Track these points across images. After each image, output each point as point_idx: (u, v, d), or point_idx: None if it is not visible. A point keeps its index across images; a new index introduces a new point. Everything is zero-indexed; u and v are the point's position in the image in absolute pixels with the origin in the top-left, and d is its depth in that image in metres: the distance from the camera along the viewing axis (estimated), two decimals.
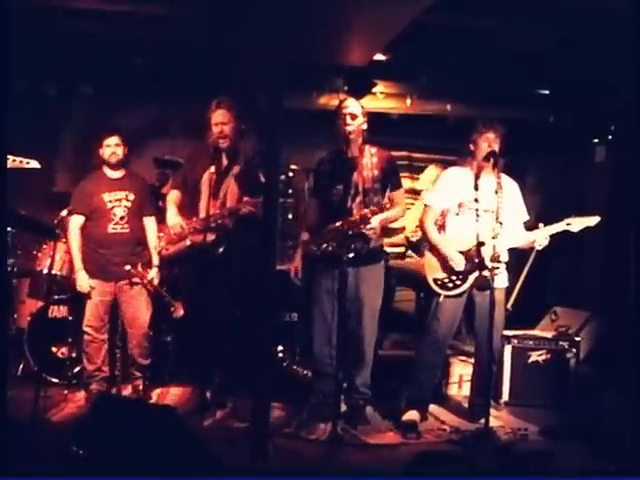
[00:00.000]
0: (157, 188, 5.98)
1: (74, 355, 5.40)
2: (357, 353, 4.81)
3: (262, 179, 4.52)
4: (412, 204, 6.25)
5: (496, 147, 4.70)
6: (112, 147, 5.15)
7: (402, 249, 6.23)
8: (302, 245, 4.94)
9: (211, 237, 4.76)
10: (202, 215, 4.85)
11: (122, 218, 5.16)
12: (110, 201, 5.16)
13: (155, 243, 5.14)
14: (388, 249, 5.57)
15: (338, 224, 4.62)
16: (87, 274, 5.11)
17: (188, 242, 4.89)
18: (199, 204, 4.91)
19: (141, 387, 5.23)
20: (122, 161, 5.22)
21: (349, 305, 4.66)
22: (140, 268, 5.08)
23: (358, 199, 4.68)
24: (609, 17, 4.82)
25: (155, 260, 5.17)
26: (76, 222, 5.18)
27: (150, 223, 5.24)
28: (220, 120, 4.87)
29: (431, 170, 6.41)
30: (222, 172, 4.90)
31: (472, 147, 4.80)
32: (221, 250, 4.78)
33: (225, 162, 4.95)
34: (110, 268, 5.11)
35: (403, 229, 6.13)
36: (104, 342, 5.17)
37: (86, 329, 5.14)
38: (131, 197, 5.19)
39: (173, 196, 5.10)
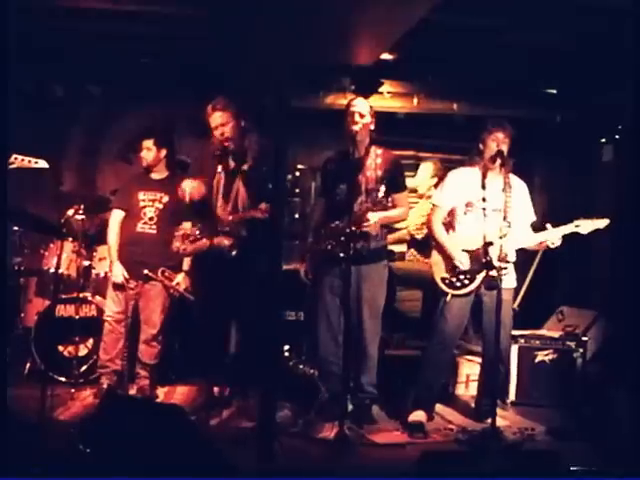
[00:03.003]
0: None
1: (81, 354, 5.43)
2: (361, 352, 4.81)
3: (269, 185, 4.51)
4: (416, 202, 6.23)
5: (505, 147, 4.69)
6: (144, 151, 5.26)
7: (404, 247, 6.20)
8: (310, 245, 4.94)
9: (228, 242, 4.75)
10: (218, 216, 4.82)
11: (151, 219, 5.23)
12: (143, 200, 5.26)
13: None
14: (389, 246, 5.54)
15: (337, 223, 4.65)
16: None
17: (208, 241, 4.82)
18: (212, 206, 4.88)
19: (147, 387, 5.25)
20: (154, 164, 5.30)
21: (351, 304, 4.66)
22: (160, 273, 5.11)
23: (360, 199, 4.69)
24: (616, 15, 4.81)
25: (185, 265, 5.20)
26: (116, 216, 5.34)
27: None
28: (219, 122, 4.84)
29: (426, 167, 6.33)
30: (230, 173, 4.87)
31: (481, 146, 4.79)
32: (234, 253, 4.76)
33: (232, 163, 4.92)
34: (134, 266, 5.18)
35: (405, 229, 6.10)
36: (122, 335, 5.20)
37: (107, 318, 5.24)
38: (165, 200, 5.25)
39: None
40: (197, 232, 4.82)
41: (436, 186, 6.15)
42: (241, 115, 4.92)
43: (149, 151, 5.27)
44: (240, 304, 4.86)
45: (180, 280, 5.19)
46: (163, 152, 5.31)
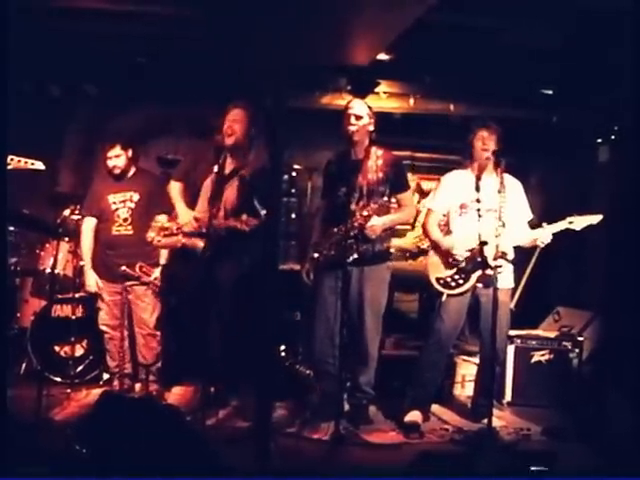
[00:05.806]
0: None
1: (77, 354, 5.42)
2: (360, 352, 4.80)
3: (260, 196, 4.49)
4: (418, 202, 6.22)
5: (492, 145, 4.70)
6: (113, 159, 5.17)
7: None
8: (312, 247, 4.92)
9: (201, 244, 4.63)
10: (200, 216, 4.74)
11: (125, 220, 5.19)
12: (114, 203, 5.22)
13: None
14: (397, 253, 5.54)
15: (338, 229, 4.65)
16: (96, 274, 5.21)
17: (183, 240, 4.80)
18: (198, 204, 4.86)
19: (144, 387, 5.24)
20: (127, 169, 5.24)
21: (353, 304, 4.66)
22: (138, 268, 5.09)
23: (362, 202, 4.68)
24: (613, 16, 4.82)
25: (162, 259, 5.18)
26: (88, 224, 5.29)
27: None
28: (232, 118, 4.79)
29: None
30: (225, 176, 4.79)
31: (469, 148, 4.80)
32: (207, 255, 4.70)
33: (229, 165, 4.85)
34: (115, 269, 5.15)
35: (411, 228, 6.10)
36: (123, 339, 5.22)
37: (102, 328, 5.25)
38: (135, 198, 5.21)
39: (176, 189, 5.01)
40: (174, 227, 4.80)
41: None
42: (254, 121, 4.85)
43: (118, 157, 5.17)
44: (215, 304, 4.80)
45: (158, 274, 5.16)
46: (130, 152, 5.24)
